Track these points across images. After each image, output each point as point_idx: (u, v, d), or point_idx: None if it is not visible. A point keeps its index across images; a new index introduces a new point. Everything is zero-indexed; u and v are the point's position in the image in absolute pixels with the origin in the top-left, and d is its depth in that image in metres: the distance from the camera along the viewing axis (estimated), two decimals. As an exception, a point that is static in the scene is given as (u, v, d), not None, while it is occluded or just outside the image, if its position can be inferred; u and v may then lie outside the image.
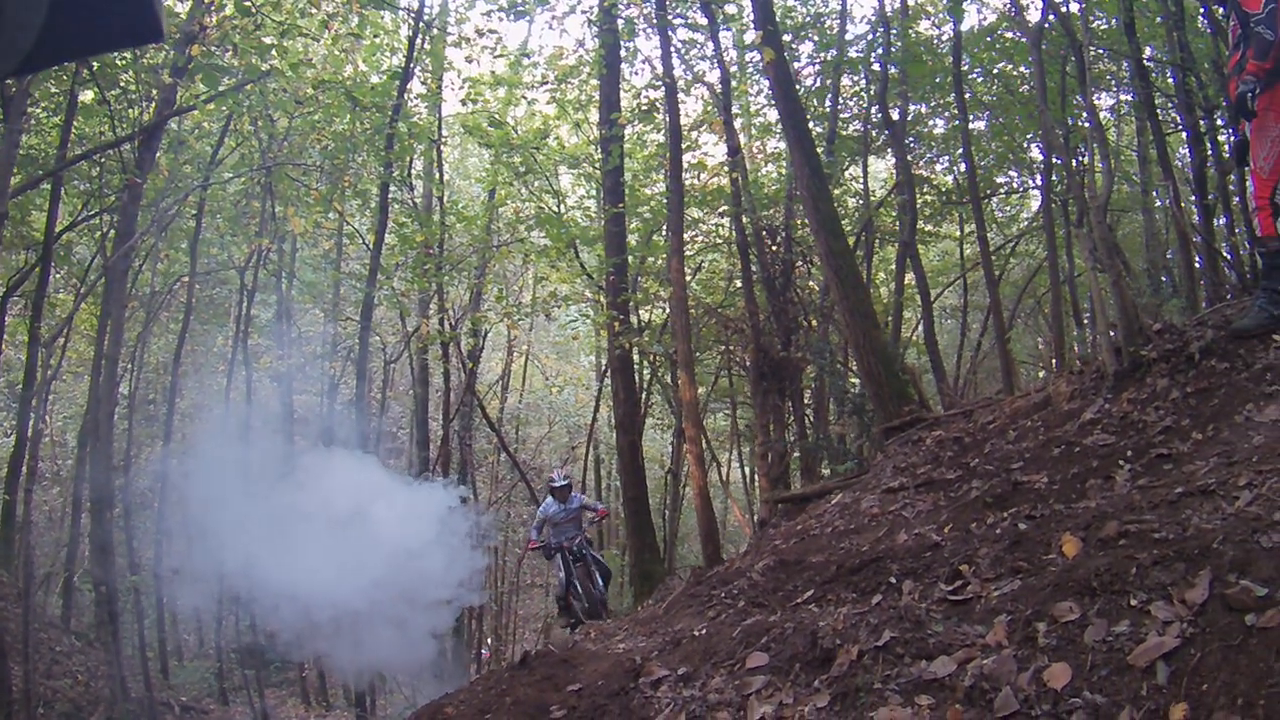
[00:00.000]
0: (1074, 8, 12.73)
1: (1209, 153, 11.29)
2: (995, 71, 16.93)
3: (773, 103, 14.62)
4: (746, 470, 24.91)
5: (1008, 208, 22.49)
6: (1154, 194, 14.50)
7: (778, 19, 14.22)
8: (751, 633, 4.75)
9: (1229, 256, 11.33)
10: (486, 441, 26.66)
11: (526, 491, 24.50)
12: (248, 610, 19.16)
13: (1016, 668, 3.59)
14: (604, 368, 22.52)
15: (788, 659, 4.30)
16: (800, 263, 16.78)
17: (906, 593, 4.79)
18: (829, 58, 17.56)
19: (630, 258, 17.59)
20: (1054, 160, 13.35)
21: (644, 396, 20.46)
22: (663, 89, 15.35)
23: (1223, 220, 12.16)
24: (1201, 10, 11.26)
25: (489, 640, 25.54)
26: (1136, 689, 3.24)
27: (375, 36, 17.70)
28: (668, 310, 18.14)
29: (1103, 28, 15.08)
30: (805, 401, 17.66)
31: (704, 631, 5.46)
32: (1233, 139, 7.07)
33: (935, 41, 17.04)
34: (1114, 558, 4.06)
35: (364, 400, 21.58)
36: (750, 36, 14.60)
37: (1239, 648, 3.19)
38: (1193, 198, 12.31)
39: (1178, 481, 4.76)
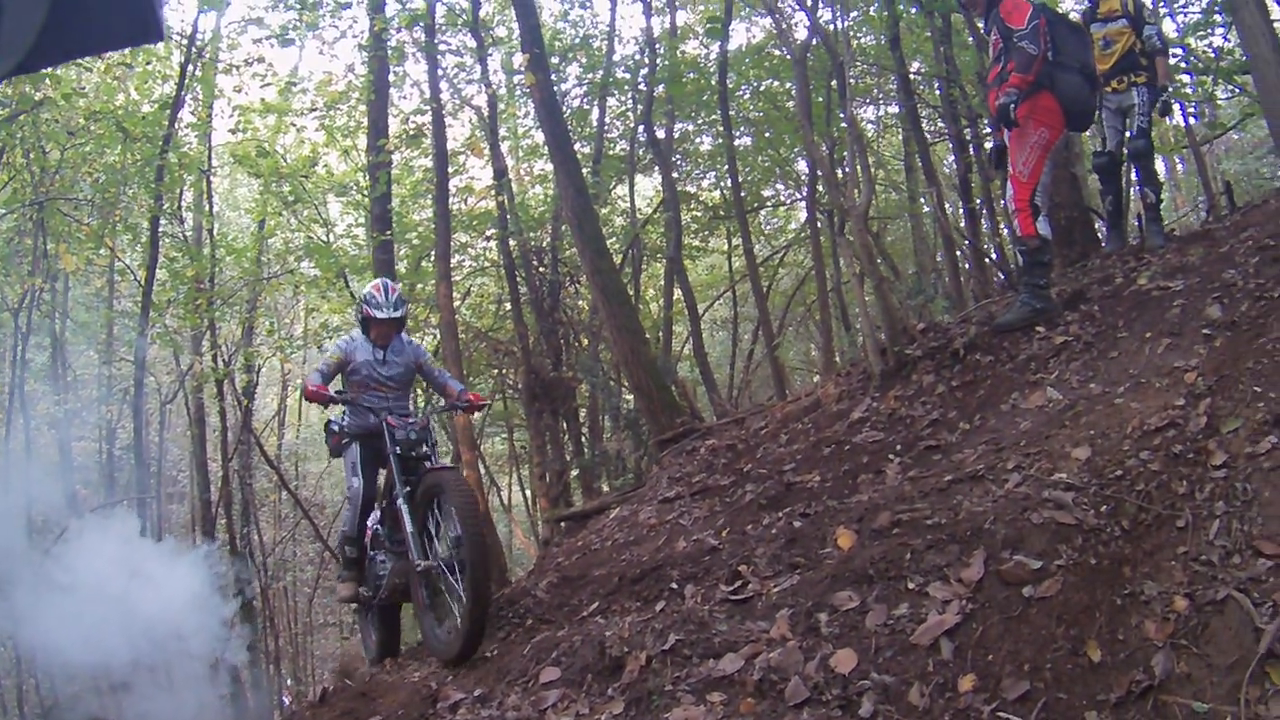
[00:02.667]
0: (840, 25, 13.11)
1: (973, 159, 11.77)
2: (761, 88, 17.31)
3: (539, 125, 14.56)
4: (527, 492, 24.65)
5: (775, 220, 22.95)
6: (920, 200, 15.07)
7: (547, 41, 14.23)
8: (541, 649, 4.71)
9: (995, 257, 11.86)
10: (267, 480, 25.61)
11: (310, 529, 23.62)
12: (47, 675, 18.00)
13: (803, 658, 3.59)
14: (378, 399, 21.96)
15: (579, 671, 4.27)
16: (568, 282, 16.80)
17: (689, 597, 4.80)
18: (596, 78, 17.64)
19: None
20: (818, 173, 13.70)
21: (420, 424, 20.03)
22: (430, 114, 15.11)
23: (987, 224, 12.75)
24: (967, 26, 11.72)
25: (289, 683, 24.57)
26: (923, 666, 3.27)
27: (148, 64, 16.87)
28: (438, 336, 17.81)
29: (870, 44, 15.60)
30: (580, 419, 17.64)
31: (495, 652, 5.40)
32: (992, 146, 7.41)
33: (703, 61, 17.29)
34: (888, 546, 4.13)
35: (142, 443, 20.45)
36: (518, 59, 14.54)
37: (1020, 618, 3.26)
38: (959, 203, 12.81)
39: (947, 470, 4.89)
